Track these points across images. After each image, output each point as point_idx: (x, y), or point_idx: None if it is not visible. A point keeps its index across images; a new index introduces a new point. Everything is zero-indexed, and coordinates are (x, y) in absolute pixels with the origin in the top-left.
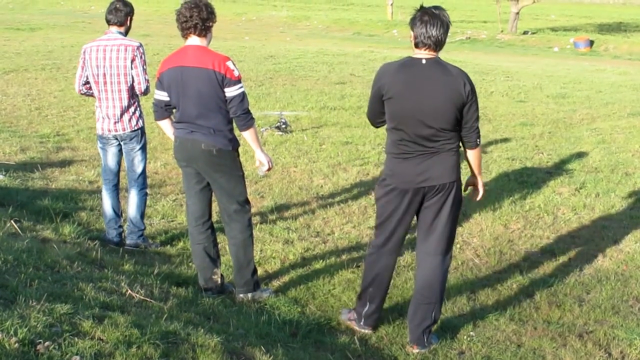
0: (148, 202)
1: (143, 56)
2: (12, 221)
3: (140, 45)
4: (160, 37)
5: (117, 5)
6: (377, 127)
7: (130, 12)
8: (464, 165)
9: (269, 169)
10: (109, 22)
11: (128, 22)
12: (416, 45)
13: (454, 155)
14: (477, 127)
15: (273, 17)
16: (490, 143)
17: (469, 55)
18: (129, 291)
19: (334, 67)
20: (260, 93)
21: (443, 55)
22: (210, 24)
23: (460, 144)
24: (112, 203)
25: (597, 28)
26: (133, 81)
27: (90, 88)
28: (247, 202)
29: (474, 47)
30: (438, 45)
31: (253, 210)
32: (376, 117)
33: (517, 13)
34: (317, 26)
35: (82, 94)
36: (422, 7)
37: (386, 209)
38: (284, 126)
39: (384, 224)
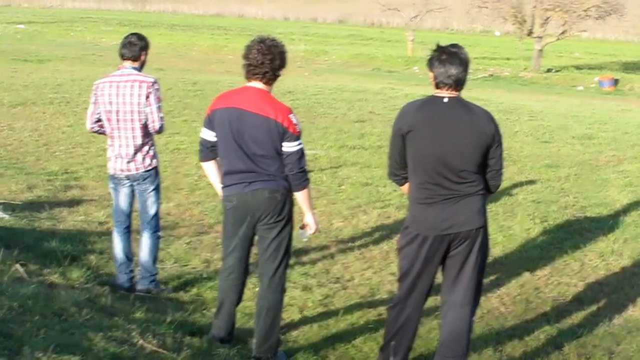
0: (160, 246)
1: (158, 92)
2: (17, 264)
3: (156, 81)
4: (174, 72)
5: (132, 40)
6: (400, 184)
7: (145, 46)
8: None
9: (314, 232)
10: (122, 57)
11: (143, 57)
12: (437, 86)
13: (480, 199)
14: (501, 170)
15: (291, 51)
16: (515, 185)
17: (492, 93)
18: (141, 341)
19: (354, 105)
20: None
21: (464, 92)
22: (281, 72)
23: None
24: (123, 246)
25: (622, 66)
26: (147, 119)
27: (102, 125)
28: (288, 261)
29: (497, 85)
30: (459, 84)
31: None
32: (398, 165)
33: (541, 50)
34: (336, 61)
35: (93, 131)
36: (439, 46)
37: (409, 258)
38: None
39: (408, 275)
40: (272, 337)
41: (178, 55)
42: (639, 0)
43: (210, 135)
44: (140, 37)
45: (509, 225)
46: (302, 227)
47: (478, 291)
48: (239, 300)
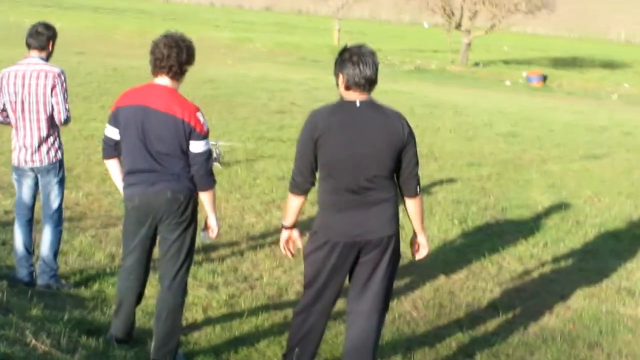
0: (65, 237)
1: (64, 84)
2: None
3: (62, 72)
4: (96, 55)
5: (38, 29)
6: (304, 192)
7: (52, 36)
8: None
9: (215, 236)
10: (29, 46)
11: (50, 47)
12: (347, 88)
13: (392, 206)
14: (417, 174)
15: (214, 38)
16: (435, 183)
17: (418, 86)
18: (33, 341)
19: (275, 95)
20: None
21: (391, 84)
22: (187, 67)
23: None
24: (24, 239)
25: (551, 62)
26: (53, 110)
27: (7, 116)
28: (191, 263)
29: (423, 77)
30: (372, 84)
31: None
32: (308, 172)
33: (469, 44)
34: (261, 49)
35: None
36: (346, 47)
37: (316, 266)
38: (217, 157)
39: (314, 282)
40: (172, 340)
41: (100, 39)
42: None
43: (114, 133)
44: (48, 27)
45: (427, 226)
46: (204, 229)
47: (387, 299)
48: (138, 300)
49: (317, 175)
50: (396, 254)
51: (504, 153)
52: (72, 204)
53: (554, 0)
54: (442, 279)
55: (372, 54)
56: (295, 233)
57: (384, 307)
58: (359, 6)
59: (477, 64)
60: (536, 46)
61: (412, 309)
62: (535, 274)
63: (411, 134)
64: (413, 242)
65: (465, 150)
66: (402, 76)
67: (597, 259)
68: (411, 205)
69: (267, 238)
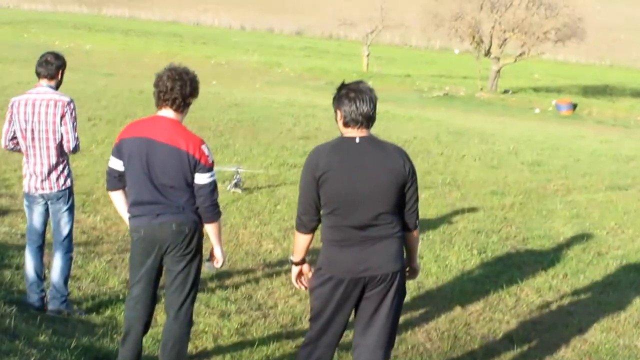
0: (79, 262)
1: (74, 112)
2: None
3: (71, 100)
4: (124, 77)
5: (48, 58)
6: (311, 230)
7: (61, 65)
8: None
9: (220, 266)
10: (39, 75)
11: (59, 76)
12: (346, 125)
13: (397, 242)
14: (417, 208)
15: (244, 62)
16: (456, 212)
17: (445, 113)
18: None
19: (300, 120)
20: (218, 145)
21: (419, 110)
22: (191, 100)
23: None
24: (34, 265)
25: (581, 90)
26: (62, 138)
27: (17, 143)
28: (196, 294)
29: (452, 104)
30: (370, 121)
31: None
32: (312, 211)
33: (498, 71)
34: (289, 74)
35: (9, 149)
36: (344, 84)
37: (321, 300)
38: (238, 183)
39: (320, 316)
40: None
41: (130, 61)
42: (601, 24)
43: (118, 165)
44: (57, 56)
45: (445, 256)
46: (210, 258)
47: (392, 335)
48: (145, 329)
49: (321, 211)
50: (401, 289)
51: (529, 182)
52: (89, 228)
53: (583, 29)
54: (458, 310)
55: (370, 90)
56: (305, 267)
57: (389, 343)
58: (390, 32)
59: (506, 91)
60: (567, 74)
61: (425, 341)
62: (553, 306)
63: (412, 170)
64: (411, 270)
65: (489, 178)
66: (430, 102)
67: (617, 291)
68: (408, 237)
69: (284, 265)
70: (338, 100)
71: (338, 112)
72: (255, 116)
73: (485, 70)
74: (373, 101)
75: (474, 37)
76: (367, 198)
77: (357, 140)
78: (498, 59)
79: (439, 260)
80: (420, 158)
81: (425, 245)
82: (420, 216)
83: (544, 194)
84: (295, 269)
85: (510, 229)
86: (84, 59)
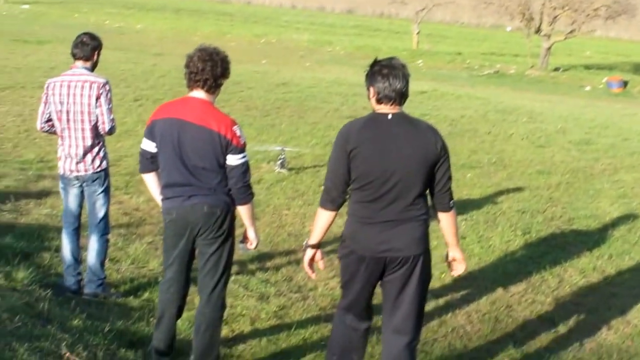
0: (120, 244)
1: (109, 94)
2: None
3: (107, 82)
4: (173, 57)
5: (84, 39)
6: (337, 207)
7: (97, 46)
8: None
9: (254, 248)
10: (74, 57)
11: (95, 57)
12: (379, 101)
13: (422, 225)
14: (450, 188)
15: (294, 40)
16: (501, 192)
17: (495, 91)
18: (67, 354)
19: (348, 99)
20: (264, 124)
21: (468, 89)
22: (223, 81)
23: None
24: (71, 248)
25: (633, 68)
26: (97, 120)
27: (52, 125)
28: (229, 277)
29: (502, 82)
30: (403, 98)
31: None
32: (341, 187)
33: (549, 48)
34: (339, 52)
35: (44, 131)
36: (377, 60)
37: (347, 271)
38: (283, 162)
39: (347, 286)
40: (211, 354)
41: (180, 41)
42: None
43: (150, 146)
44: (93, 37)
45: (489, 236)
46: (243, 240)
47: (419, 321)
48: (179, 313)
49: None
50: (426, 274)
51: (576, 161)
52: (132, 210)
53: (634, 6)
54: (500, 292)
55: (403, 66)
56: (318, 254)
57: (416, 329)
58: (441, 10)
59: (557, 69)
60: (619, 51)
61: (466, 323)
62: (596, 288)
63: (444, 147)
64: (448, 258)
65: (535, 158)
66: (480, 81)
67: None
68: (444, 219)
69: (327, 247)
70: (371, 77)
71: (371, 89)
72: (303, 95)
73: (536, 47)
74: (406, 78)
75: (524, 15)
76: (397, 174)
77: (390, 116)
78: (548, 36)
79: (482, 241)
80: (467, 137)
81: (469, 225)
82: (465, 196)
83: (591, 174)
84: (309, 252)
85: (555, 209)
86: (134, 39)
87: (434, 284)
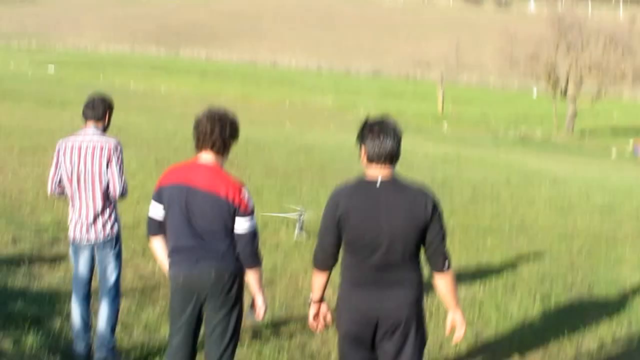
0: (133, 309)
1: (120, 156)
2: None
3: (119, 144)
4: None
5: (95, 100)
6: (328, 268)
7: (108, 107)
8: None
9: (263, 316)
10: (86, 118)
11: (106, 119)
12: (369, 161)
13: (415, 288)
14: (445, 249)
15: (318, 103)
16: (522, 257)
17: (519, 154)
18: None
19: None
20: (284, 188)
21: (493, 152)
22: (232, 143)
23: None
24: (81, 313)
25: None
26: (108, 183)
27: (63, 188)
28: (237, 344)
29: (527, 146)
30: (394, 157)
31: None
32: (329, 250)
33: (575, 112)
34: (364, 115)
35: (55, 194)
36: (369, 119)
37: (341, 334)
38: (302, 226)
39: (341, 348)
40: None
41: (204, 103)
42: None
43: (159, 211)
44: (104, 98)
45: (507, 303)
46: (251, 307)
47: None
48: None
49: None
50: (420, 339)
51: (598, 226)
52: (149, 274)
53: None
54: (516, 358)
55: (394, 125)
56: (323, 307)
57: None
58: (467, 72)
59: (583, 133)
60: None
61: None
62: (615, 357)
63: (436, 209)
64: (448, 321)
65: (558, 222)
66: (505, 144)
67: None
68: (439, 281)
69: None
70: (361, 135)
71: (362, 147)
72: (325, 159)
73: (563, 111)
74: (397, 136)
75: (550, 77)
76: (386, 241)
77: (378, 183)
78: (574, 99)
79: (500, 307)
80: (489, 201)
81: (487, 292)
82: (485, 262)
83: (614, 239)
84: (313, 308)
85: (576, 275)
86: (159, 101)
87: (448, 351)
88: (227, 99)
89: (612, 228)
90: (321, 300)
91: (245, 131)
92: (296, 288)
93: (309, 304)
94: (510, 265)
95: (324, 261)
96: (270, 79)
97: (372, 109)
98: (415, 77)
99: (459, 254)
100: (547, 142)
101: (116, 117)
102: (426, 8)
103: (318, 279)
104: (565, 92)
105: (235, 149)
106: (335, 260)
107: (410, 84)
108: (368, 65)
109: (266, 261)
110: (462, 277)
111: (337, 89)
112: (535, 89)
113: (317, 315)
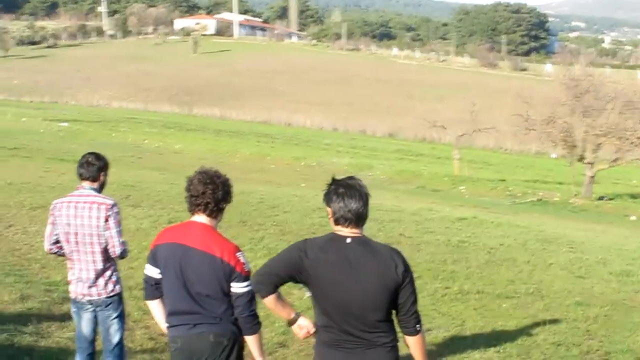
0: None
1: (118, 215)
2: None
3: (115, 204)
4: None
5: (89, 159)
6: (273, 289)
7: (103, 166)
8: None
9: None
10: (80, 177)
11: (102, 178)
12: (336, 222)
13: (389, 352)
14: (416, 312)
15: (334, 164)
16: (537, 324)
17: (537, 218)
18: None
19: (385, 225)
20: None
21: (510, 216)
22: (224, 205)
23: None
24: None
25: None
26: (107, 243)
27: (61, 247)
28: None
29: (545, 210)
30: (360, 219)
31: None
32: (271, 279)
33: (592, 177)
34: (380, 177)
35: (52, 253)
36: (335, 179)
37: None
38: None
39: None
40: None
41: (219, 162)
42: None
43: (154, 272)
44: (99, 157)
45: None
46: None
47: None
48: None
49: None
50: None
51: (616, 293)
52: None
53: None
54: None
55: (360, 186)
56: (302, 320)
57: None
58: (484, 136)
59: (601, 198)
60: None
61: None
62: None
63: (406, 271)
64: None
65: (574, 289)
66: (522, 208)
67: None
68: (411, 343)
69: None
70: (327, 197)
71: (328, 209)
72: None
73: (580, 175)
74: (363, 198)
75: (566, 141)
76: (357, 304)
77: (348, 240)
78: (592, 164)
79: None
80: (505, 266)
81: (501, 357)
82: (499, 327)
83: (631, 306)
84: (295, 327)
85: (592, 342)
86: (172, 159)
87: None
88: (241, 158)
89: (629, 295)
90: (295, 317)
91: (259, 191)
92: (307, 351)
93: (289, 326)
94: (526, 332)
95: (261, 287)
96: (286, 139)
97: (388, 171)
98: (432, 139)
99: (475, 318)
100: (565, 206)
101: (129, 175)
102: (441, 69)
103: (272, 302)
104: (582, 158)
105: (249, 209)
106: (269, 292)
107: (426, 146)
108: (384, 125)
109: (279, 323)
110: (477, 342)
111: (353, 150)
112: (553, 154)
113: (300, 329)
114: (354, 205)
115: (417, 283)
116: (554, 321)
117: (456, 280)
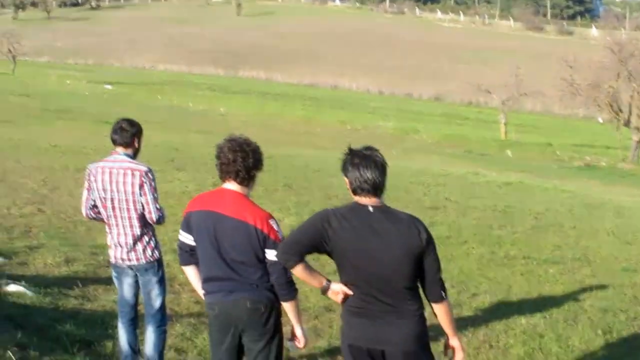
0: (187, 334)
1: (153, 182)
2: (11, 349)
3: (150, 170)
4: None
5: (123, 125)
6: (294, 265)
7: (136, 132)
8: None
9: (303, 347)
10: (114, 142)
11: (135, 144)
12: (354, 192)
13: (418, 321)
14: (441, 279)
15: (380, 127)
16: (584, 289)
17: (584, 183)
18: None
19: (431, 189)
20: None
21: (558, 181)
22: (255, 173)
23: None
24: (128, 338)
25: None
26: (143, 209)
27: (99, 212)
28: None
29: (592, 175)
30: (377, 189)
31: (304, 350)
32: (296, 248)
33: (639, 141)
34: (427, 140)
35: (90, 218)
36: (351, 149)
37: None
38: None
39: None
40: None
41: (264, 126)
42: None
43: (188, 239)
44: (132, 123)
45: (568, 335)
46: (291, 338)
47: None
48: None
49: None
50: None
51: None
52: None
53: None
54: None
55: (376, 156)
56: (335, 285)
57: None
58: (531, 100)
59: None
60: None
61: None
62: None
63: (429, 238)
64: (447, 346)
65: (621, 255)
66: (570, 173)
67: None
68: (437, 310)
69: None
70: (343, 167)
71: (345, 179)
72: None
73: (628, 140)
74: (379, 168)
75: (612, 106)
76: (384, 271)
77: (370, 209)
78: (638, 128)
79: (560, 340)
80: (551, 231)
81: (548, 323)
82: (546, 292)
83: None
84: (330, 295)
85: (639, 308)
86: (218, 122)
87: None
88: (287, 121)
89: None
90: (326, 285)
91: (305, 155)
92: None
93: (323, 292)
94: (572, 297)
95: (287, 258)
96: (332, 102)
97: (435, 135)
98: (478, 103)
99: (521, 283)
100: (612, 171)
101: (174, 138)
102: (487, 32)
103: (302, 271)
104: (628, 122)
105: (294, 173)
106: (296, 261)
107: (473, 110)
108: (430, 89)
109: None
110: (523, 308)
111: (399, 114)
112: (600, 118)
113: (336, 294)
114: (369, 175)
115: (463, 247)
116: (601, 287)
117: (502, 245)
